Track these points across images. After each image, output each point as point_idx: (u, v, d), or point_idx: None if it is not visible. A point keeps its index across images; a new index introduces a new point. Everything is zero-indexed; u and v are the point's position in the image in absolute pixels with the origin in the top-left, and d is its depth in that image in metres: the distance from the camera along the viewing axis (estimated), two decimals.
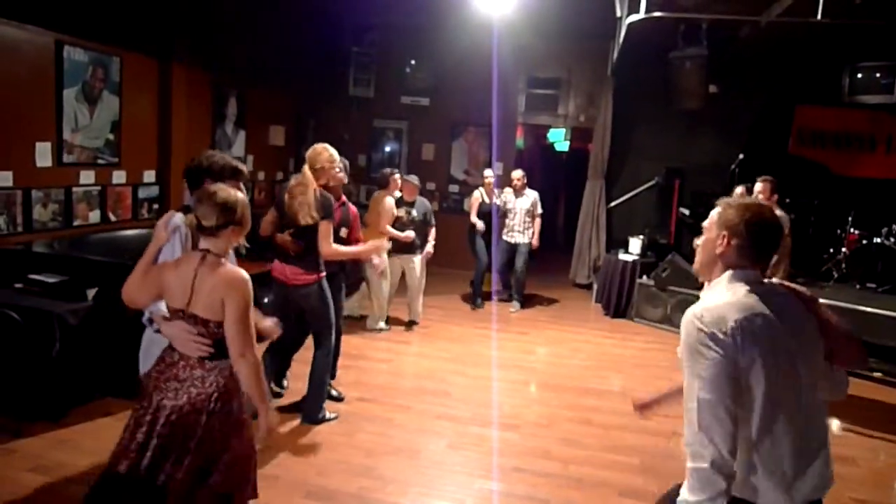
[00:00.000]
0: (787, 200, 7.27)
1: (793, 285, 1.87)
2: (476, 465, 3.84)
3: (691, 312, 1.70)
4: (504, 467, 3.83)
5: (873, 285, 6.77)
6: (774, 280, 1.88)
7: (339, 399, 4.60)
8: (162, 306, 2.48)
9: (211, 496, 2.32)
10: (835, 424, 4.70)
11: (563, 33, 8.49)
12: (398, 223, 6.18)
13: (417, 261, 6.49)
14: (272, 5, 7.75)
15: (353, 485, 3.49)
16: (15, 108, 4.65)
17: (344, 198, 4.58)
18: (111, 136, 5.56)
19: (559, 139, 11.61)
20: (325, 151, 4.07)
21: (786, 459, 1.68)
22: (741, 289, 1.73)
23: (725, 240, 1.77)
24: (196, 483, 2.29)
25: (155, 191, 6.16)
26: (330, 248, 4.01)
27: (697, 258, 1.90)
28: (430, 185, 9.49)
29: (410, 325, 6.65)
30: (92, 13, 5.24)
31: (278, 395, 4.58)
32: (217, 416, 2.31)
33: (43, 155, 4.91)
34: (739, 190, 5.90)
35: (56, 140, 5.02)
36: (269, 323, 2.80)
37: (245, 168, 2.97)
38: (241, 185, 2.84)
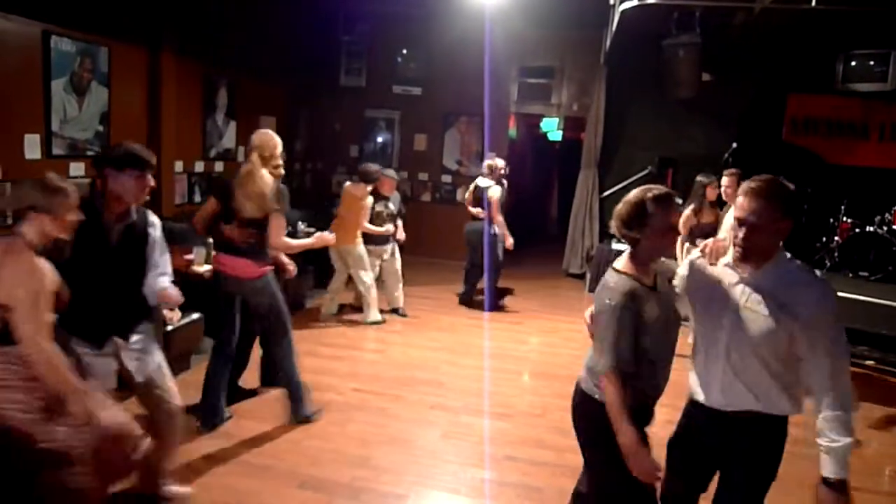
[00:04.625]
0: None
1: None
2: (469, 455, 3.85)
3: None
4: (497, 456, 3.84)
5: (866, 274, 6.79)
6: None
7: (252, 394, 4.43)
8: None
9: None
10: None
11: (555, 22, 8.44)
12: (378, 218, 6.25)
13: (391, 249, 6.53)
14: None
15: (347, 475, 3.50)
16: (2, 100, 4.57)
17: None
18: (100, 128, 5.49)
19: (552, 129, 11.58)
20: (275, 139, 3.91)
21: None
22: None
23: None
24: None
25: None
26: (281, 240, 3.88)
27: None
28: (423, 176, 9.49)
29: (394, 312, 6.64)
30: (79, 2, 5.17)
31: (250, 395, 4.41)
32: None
33: (32, 147, 4.84)
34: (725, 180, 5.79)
35: (45, 132, 4.95)
36: None
37: (150, 158, 2.87)
38: (148, 176, 2.83)
